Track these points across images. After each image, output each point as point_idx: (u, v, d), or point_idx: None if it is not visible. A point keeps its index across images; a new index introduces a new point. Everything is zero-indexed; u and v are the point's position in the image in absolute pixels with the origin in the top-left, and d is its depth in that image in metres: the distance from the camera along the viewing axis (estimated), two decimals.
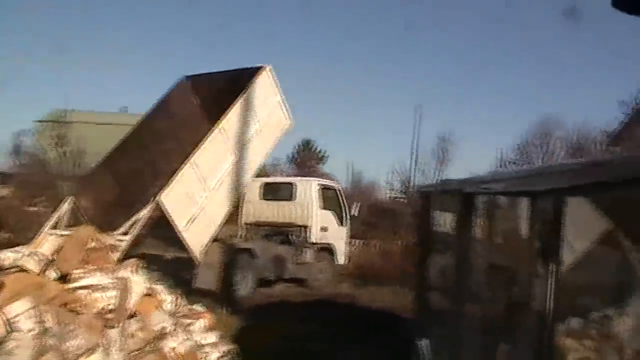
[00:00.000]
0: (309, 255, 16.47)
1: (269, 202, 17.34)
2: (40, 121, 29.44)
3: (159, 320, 7.49)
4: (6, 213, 12.23)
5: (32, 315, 6.01)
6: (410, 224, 18.50)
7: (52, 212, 13.61)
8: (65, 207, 13.23)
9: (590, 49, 51.78)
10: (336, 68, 71.62)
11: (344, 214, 17.81)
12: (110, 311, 6.79)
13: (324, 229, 16.95)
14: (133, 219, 12.31)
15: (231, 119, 13.51)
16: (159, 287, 8.30)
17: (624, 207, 3.17)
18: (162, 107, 15.16)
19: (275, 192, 17.63)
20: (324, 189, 17.49)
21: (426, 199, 8.60)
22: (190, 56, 74.49)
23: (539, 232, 3.35)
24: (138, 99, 77.19)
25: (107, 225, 12.96)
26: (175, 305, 8.32)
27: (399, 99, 70.99)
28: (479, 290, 5.78)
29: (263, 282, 15.37)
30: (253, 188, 17.30)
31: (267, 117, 14.48)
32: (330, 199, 17.50)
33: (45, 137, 26.26)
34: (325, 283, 16.59)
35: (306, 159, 41.50)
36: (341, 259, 17.61)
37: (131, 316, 7.16)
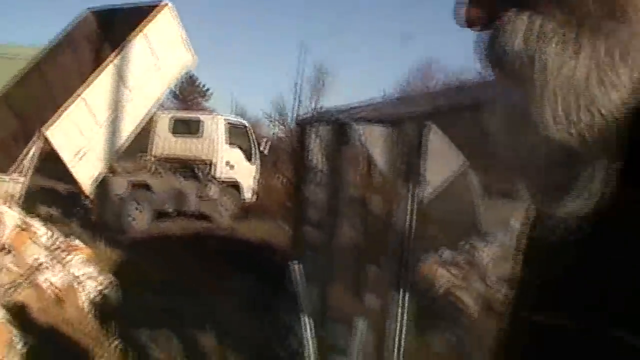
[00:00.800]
0: (213, 190, 16.64)
1: (177, 137, 17.36)
2: None
3: (34, 254, 7.60)
4: None
5: None
6: (290, 157, 18.84)
7: None
8: None
9: None
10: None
11: (252, 151, 17.96)
12: None
13: (230, 165, 17.11)
14: (23, 156, 12.23)
15: (126, 54, 13.40)
16: (34, 221, 8.36)
17: (483, 131, 3.32)
18: (66, 41, 14.87)
19: (183, 127, 17.56)
20: (232, 125, 17.58)
21: (303, 130, 8.83)
22: None
23: (403, 158, 3.54)
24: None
25: (6, 161, 12.89)
26: (52, 239, 8.40)
27: (284, 34, 71.39)
28: (350, 216, 6.11)
29: (163, 216, 15.54)
30: (162, 122, 17.29)
31: (166, 53, 14.38)
32: (238, 136, 17.60)
33: None
34: (229, 218, 16.84)
35: (189, 94, 40.43)
36: (248, 195, 17.82)
37: (4, 250, 7.24)
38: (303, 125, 9.13)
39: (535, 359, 0.74)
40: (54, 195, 13.03)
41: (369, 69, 57.98)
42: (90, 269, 8.23)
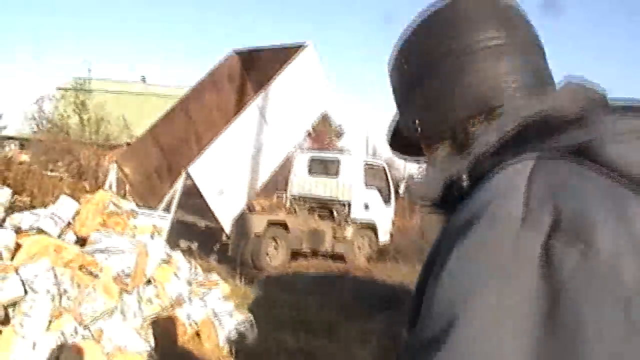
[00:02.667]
0: (349, 231, 16.54)
1: (315, 177, 17.50)
2: (61, 88, 29.52)
3: (175, 288, 7.68)
4: (26, 177, 12.52)
5: (49, 276, 6.15)
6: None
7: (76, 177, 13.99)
8: (112, 174, 13.60)
9: None
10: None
11: (389, 192, 17.73)
12: (128, 275, 6.92)
13: (366, 206, 16.97)
14: (170, 193, 12.59)
15: (269, 94, 13.62)
16: (177, 254, 8.48)
17: None
18: (210, 80, 15.40)
19: (321, 166, 17.72)
20: (369, 166, 17.48)
21: None
22: (208, 30, 76.48)
23: None
24: (156, 69, 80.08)
25: (149, 194, 13.37)
26: (192, 273, 8.50)
27: None
28: None
29: (297, 254, 15.60)
30: (300, 161, 17.53)
31: (307, 93, 14.52)
32: (375, 177, 17.46)
33: (66, 104, 25.91)
34: (364, 259, 16.66)
35: (324, 133, 39.91)
36: (384, 237, 17.57)
37: (148, 282, 7.35)
38: None
39: None
40: (194, 230, 13.31)
41: None
42: (228, 306, 8.25)
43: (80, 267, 6.73)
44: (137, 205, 9.09)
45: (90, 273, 6.72)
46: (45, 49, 79.19)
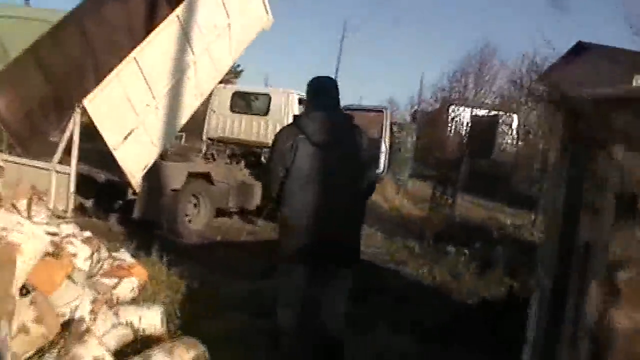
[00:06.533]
0: None
1: (239, 116, 14.37)
2: None
3: (70, 298, 4.60)
4: None
5: None
6: None
7: None
8: None
9: None
10: None
11: None
12: None
13: None
14: (65, 137, 9.38)
15: (192, 7, 10.47)
16: (68, 229, 5.40)
17: None
18: None
19: (247, 104, 14.66)
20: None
21: None
22: None
23: None
24: None
25: (30, 136, 10.18)
26: (94, 260, 5.45)
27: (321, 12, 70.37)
28: None
29: (221, 213, 12.71)
30: (221, 97, 14.31)
31: (239, 9, 11.43)
32: None
33: None
34: None
35: None
36: None
37: (23, 293, 4.23)
38: None
39: None
40: (90, 185, 10.17)
41: None
42: (156, 317, 5.26)
43: None
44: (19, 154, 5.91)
45: None
46: None
